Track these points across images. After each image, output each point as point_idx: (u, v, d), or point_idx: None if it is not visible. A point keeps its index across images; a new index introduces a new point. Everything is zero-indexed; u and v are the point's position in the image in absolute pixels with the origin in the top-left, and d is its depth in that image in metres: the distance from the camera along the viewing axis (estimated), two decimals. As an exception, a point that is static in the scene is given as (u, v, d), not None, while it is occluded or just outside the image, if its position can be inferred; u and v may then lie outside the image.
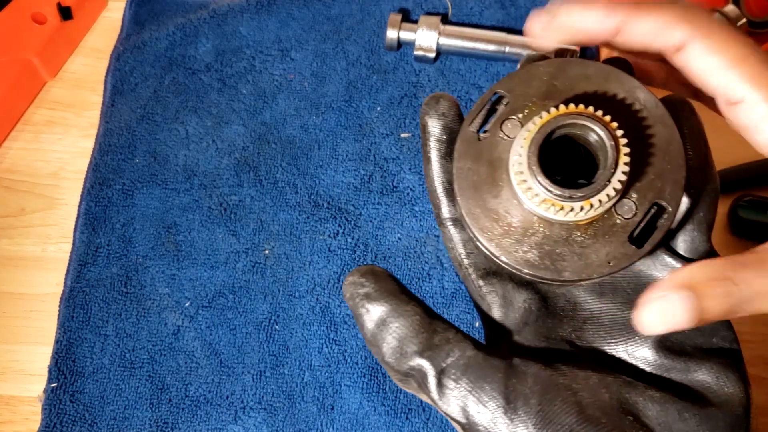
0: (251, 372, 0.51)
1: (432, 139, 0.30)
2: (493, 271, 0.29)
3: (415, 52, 0.59)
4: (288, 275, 0.53)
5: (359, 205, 0.55)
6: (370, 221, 0.55)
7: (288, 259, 0.54)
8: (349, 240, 0.54)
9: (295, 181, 0.56)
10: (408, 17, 0.63)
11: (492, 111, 0.28)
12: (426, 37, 0.59)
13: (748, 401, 0.27)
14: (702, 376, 0.27)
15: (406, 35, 0.60)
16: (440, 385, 0.25)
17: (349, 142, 0.58)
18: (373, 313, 0.26)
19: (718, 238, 0.55)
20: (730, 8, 0.58)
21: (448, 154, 0.30)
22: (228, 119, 0.59)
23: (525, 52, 0.59)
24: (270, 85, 0.60)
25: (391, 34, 0.59)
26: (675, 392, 0.26)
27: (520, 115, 0.27)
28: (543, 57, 0.30)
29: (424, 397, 0.26)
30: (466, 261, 0.30)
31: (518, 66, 0.31)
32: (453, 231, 0.30)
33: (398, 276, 0.53)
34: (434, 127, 0.30)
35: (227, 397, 0.50)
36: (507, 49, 0.59)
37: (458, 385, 0.25)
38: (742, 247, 0.54)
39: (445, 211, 0.30)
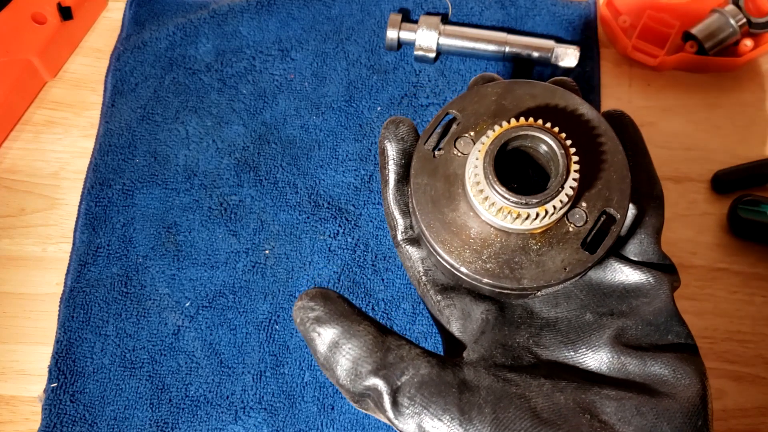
0: (251, 372, 0.51)
1: (391, 162, 0.31)
2: (451, 287, 0.30)
3: (416, 52, 0.59)
4: (288, 275, 0.53)
5: (359, 205, 0.55)
6: (370, 221, 0.55)
7: (288, 259, 0.54)
8: (349, 240, 0.54)
9: (295, 181, 0.56)
10: (408, 17, 0.63)
11: (446, 130, 0.29)
12: (426, 37, 0.59)
13: (705, 392, 0.27)
14: (658, 369, 0.27)
15: (406, 35, 0.60)
16: (395, 403, 0.25)
17: (349, 142, 0.58)
18: (325, 336, 0.26)
19: (718, 238, 0.55)
20: (730, 8, 0.58)
21: (405, 178, 0.31)
22: (228, 119, 0.59)
23: (525, 52, 0.59)
24: (270, 85, 0.60)
25: (392, 34, 0.59)
26: (633, 390, 0.26)
27: (472, 133, 0.29)
28: (492, 78, 0.32)
29: (380, 417, 0.26)
30: (424, 278, 0.31)
31: (468, 87, 0.32)
32: (411, 249, 0.31)
33: (398, 276, 0.53)
34: (393, 151, 0.31)
35: (227, 397, 0.50)
36: (507, 49, 0.59)
37: (413, 402, 0.25)
38: (741, 247, 0.54)
39: (402, 231, 0.31)
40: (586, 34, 0.62)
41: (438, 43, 0.59)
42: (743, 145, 0.58)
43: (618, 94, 0.60)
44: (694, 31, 0.58)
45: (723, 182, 0.56)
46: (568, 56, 0.58)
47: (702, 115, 0.59)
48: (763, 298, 0.53)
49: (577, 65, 0.59)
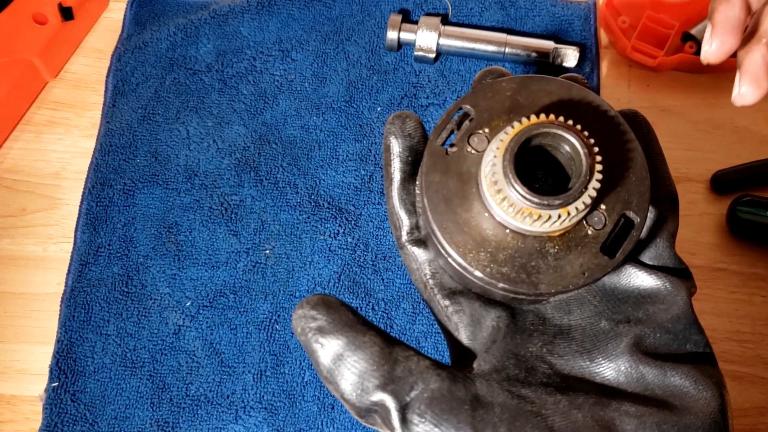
0: (252, 371, 0.51)
1: (396, 159, 0.29)
2: (459, 291, 0.29)
3: (416, 53, 0.60)
4: (288, 275, 0.53)
5: (359, 205, 0.56)
6: (371, 221, 0.55)
7: (288, 259, 0.54)
8: (349, 240, 0.54)
9: (295, 181, 0.56)
10: (408, 18, 0.63)
11: (458, 126, 0.28)
12: (426, 38, 0.59)
13: (726, 406, 0.26)
14: (679, 380, 0.26)
15: (406, 36, 0.60)
16: (404, 420, 0.24)
17: (349, 143, 0.58)
18: (328, 347, 0.25)
19: (718, 238, 0.55)
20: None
21: (411, 176, 0.30)
22: (229, 119, 0.59)
23: (524, 53, 0.59)
24: (271, 85, 0.60)
25: (392, 34, 0.59)
26: (652, 405, 0.25)
27: (487, 130, 0.28)
28: (501, 73, 0.31)
29: None
30: (431, 281, 0.29)
31: (473, 81, 0.31)
32: (417, 251, 0.29)
33: (398, 276, 0.53)
34: (399, 147, 0.29)
35: (228, 397, 0.50)
36: (506, 49, 0.59)
37: (423, 420, 0.23)
38: (741, 247, 0.55)
39: (407, 232, 0.30)
40: (585, 34, 0.62)
41: (438, 44, 0.59)
42: (742, 145, 0.58)
43: (617, 94, 0.60)
44: (693, 31, 0.58)
45: (722, 182, 0.56)
46: (568, 57, 0.59)
47: (701, 116, 0.60)
48: (763, 298, 0.53)
49: (577, 66, 0.59)
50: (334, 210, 0.55)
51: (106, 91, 0.60)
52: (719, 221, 0.55)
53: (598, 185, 0.25)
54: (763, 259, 0.54)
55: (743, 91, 0.33)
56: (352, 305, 0.52)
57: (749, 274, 0.54)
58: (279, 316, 0.52)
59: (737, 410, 0.50)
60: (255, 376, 0.50)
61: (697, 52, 0.58)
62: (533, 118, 0.25)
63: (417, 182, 0.29)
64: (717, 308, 0.53)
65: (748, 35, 0.34)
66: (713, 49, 0.34)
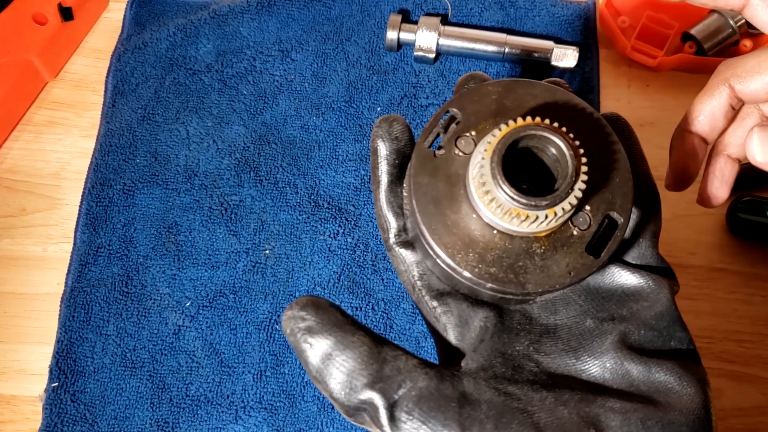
0: (252, 371, 0.51)
1: (383, 162, 0.30)
2: (447, 292, 0.29)
3: (415, 53, 0.60)
4: (288, 275, 0.53)
5: (359, 205, 0.56)
6: (370, 221, 0.55)
7: (288, 259, 0.54)
8: (349, 240, 0.54)
9: (295, 182, 0.56)
10: (408, 18, 0.63)
11: (444, 129, 0.29)
12: (426, 38, 0.59)
13: (709, 402, 0.26)
14: (663, 376, 0.26)
15: (406, 36, 0.60)
16: (392, 418, 0.24)
17: (349, 143, 0.58)
18: (317, 347, 0.25)
19: (718, 238, 0.55)
20: (729, 9, 0.58)
21: (398, 179, 0.30)
22: (229, 120, 0.59)
23: (524, 53, 0.59)
24: (270, 85, 0.60)
25: (391, 34, 0.60)
26: (637, 401, 0.26)
27: (473, 132, 0.28)
28: (482, 78, 0.31)
29: (376, 431, 0.25)
30: (419, 283, 0.29)
31: (455, 86, 0.32)
32: (405, 253, 0.30)
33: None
34: (386, 150, 0.30)
35: (228, 397, 0.50)
36: (506, 49, 0.59)
37: (411, 417, 0.24)
38: (741, 247, 0.55)
39: (395, 234, 0.30)
40: (585, 34, 0.62)
41: (438, 44, 0.59)
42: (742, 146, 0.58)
43: (617, 94, 0.60)
44: (693, 31, 0.58)
45: (722, 182, 0.56)
46: (567, 57, 0.59)
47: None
48: (762, 298, 0.53)
49: (576, 66, 0.59)
50: (333, 210, 0.55)
51: (105, 92, 0.60)
52: (719, 221, 0.55)
53: (583, 186, 0.25)
54: (763, 259, 0.54)
55: (705, 197, 0.38)
56: (352, 305, 0.52)
57: (749, 274, 0.54)
58: (279, 316, 0.52)
59: (737, 410, 0.50)
60: (255, 376, 0.51)
61: (697, 52, 0.58)
62: (520, 120, 0.26)
63: (404, 185, 0.30)
64: (716, 308, 0.53)
65: (712, 149, 0.38)
66: (672, 184, 0.38)
